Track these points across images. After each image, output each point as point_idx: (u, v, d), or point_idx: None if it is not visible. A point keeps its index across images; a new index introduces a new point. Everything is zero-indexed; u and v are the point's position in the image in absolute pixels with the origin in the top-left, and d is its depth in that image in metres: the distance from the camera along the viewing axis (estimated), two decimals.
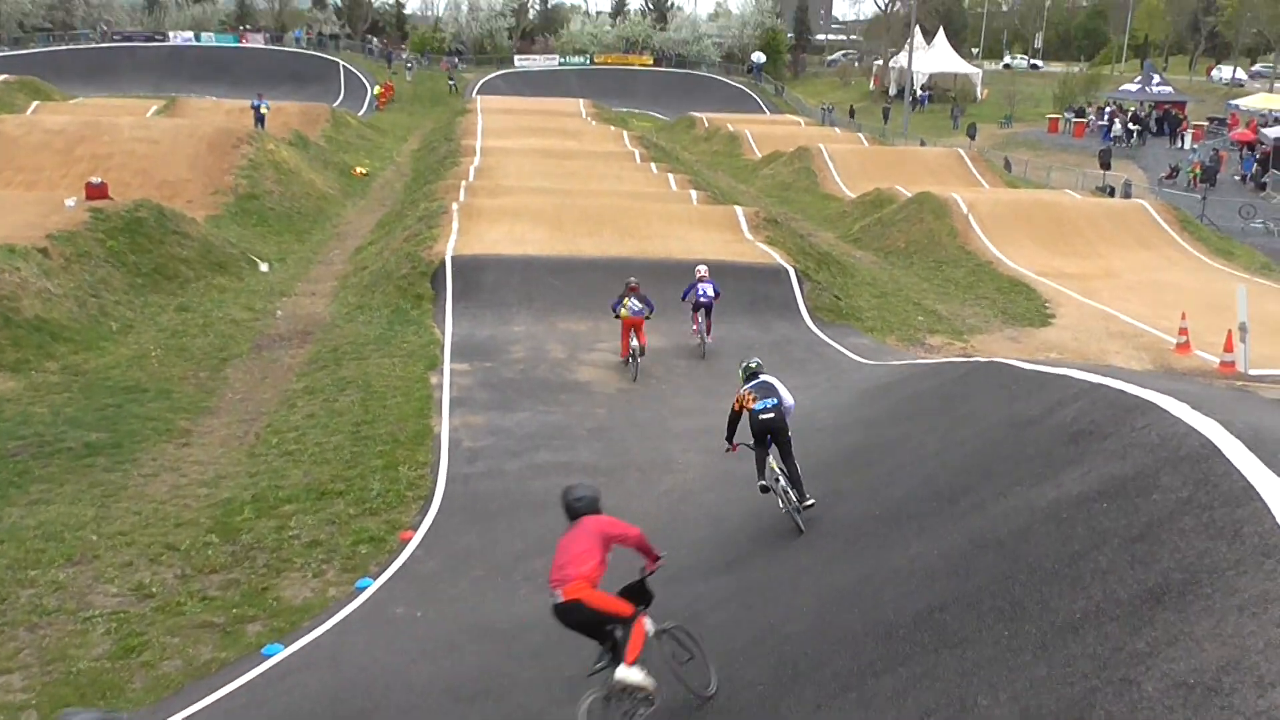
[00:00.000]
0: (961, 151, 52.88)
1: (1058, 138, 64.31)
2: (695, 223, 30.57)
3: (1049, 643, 6.31)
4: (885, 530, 9.77)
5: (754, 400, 11.52)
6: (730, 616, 9.79)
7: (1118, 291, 29.46)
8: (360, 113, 68.39)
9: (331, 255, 31.39)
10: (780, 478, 11.41)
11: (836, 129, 68.75)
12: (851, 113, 78.47)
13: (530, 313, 24.21)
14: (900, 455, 12.09)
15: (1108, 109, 64.33)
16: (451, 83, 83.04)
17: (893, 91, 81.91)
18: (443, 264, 25.79)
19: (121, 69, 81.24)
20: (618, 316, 20.79)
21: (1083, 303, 28.08)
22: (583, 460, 16.13)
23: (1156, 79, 67.02)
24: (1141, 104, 64.93)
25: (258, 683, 10.49)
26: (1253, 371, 21.49)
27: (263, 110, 48.25)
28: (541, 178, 39.83)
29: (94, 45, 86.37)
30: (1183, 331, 23.68)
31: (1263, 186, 47.57)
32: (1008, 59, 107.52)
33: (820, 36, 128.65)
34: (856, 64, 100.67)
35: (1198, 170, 47.92)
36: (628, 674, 7.41)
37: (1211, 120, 62.56)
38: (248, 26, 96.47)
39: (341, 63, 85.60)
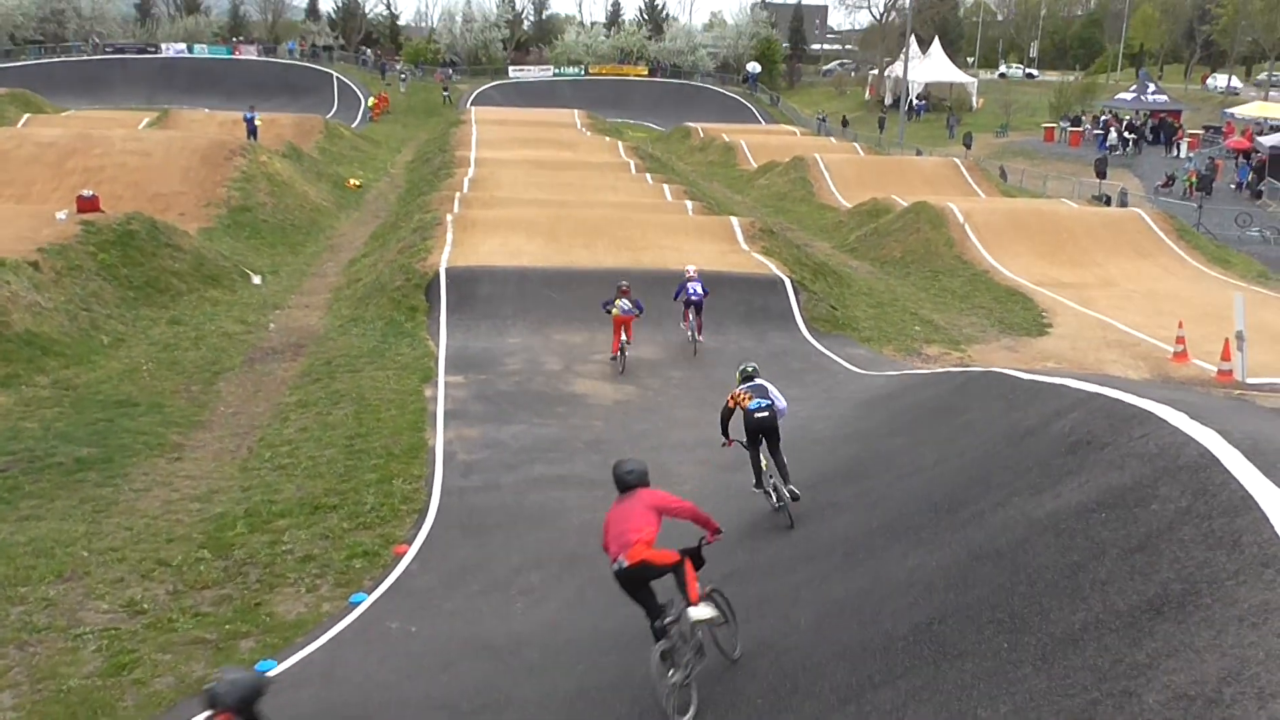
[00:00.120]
0: (957, 161, 52.94)
1: (1053, 147, 64.60)
2: (691, 233, 30.58)
3: (1049, 655, 6.29)
4: (883, 542, 9.73)
5: (749, 400, 12.08)
6: (727, 630, 9.69)
7: (1115, 300, 29.49)
8: (354, 124, 68.45)
9: (325, 267, 31.33)
10: (772, 474, 12.02)
11: (832, 139, 68.84)
12: (844, 122, 78.62)
13: (525, 324, 24.17)
14: (898, 466, 12.04)
15: (1103, 118, 64.45)
16: (446, 94, 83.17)
17: (888, 101, 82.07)
18: (437, 276, 25.74)
19: (114, 81, 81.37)
20: (608, 313, 21.81)
21: (1080, 312, 28.08)
22: (579, 473, 16.05)
23: (1152, 87, 67.34)
24: (1137, 113, 65.09)
25: None
26: (1250, 380, 21.50)
27: (256, 123, 48.21)
28: (536, 189, 39.79)
29: (86, 57, 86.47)
30: (1180, 340, 23.65)
31: (1259, 195, 47.62)
32: (1003, 68, 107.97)
33: (815, 46, 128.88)
34: (853, 73, 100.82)
35: (1194, 179, 48.00)
36: (699, 611, 8.05)
37: (1207, 129, 62.81)
38: (240, 38, 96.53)
39: (335, 74, 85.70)
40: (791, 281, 26.60)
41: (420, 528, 14.21)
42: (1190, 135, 60.24)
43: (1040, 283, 31.18)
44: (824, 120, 78.95)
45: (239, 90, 75.49)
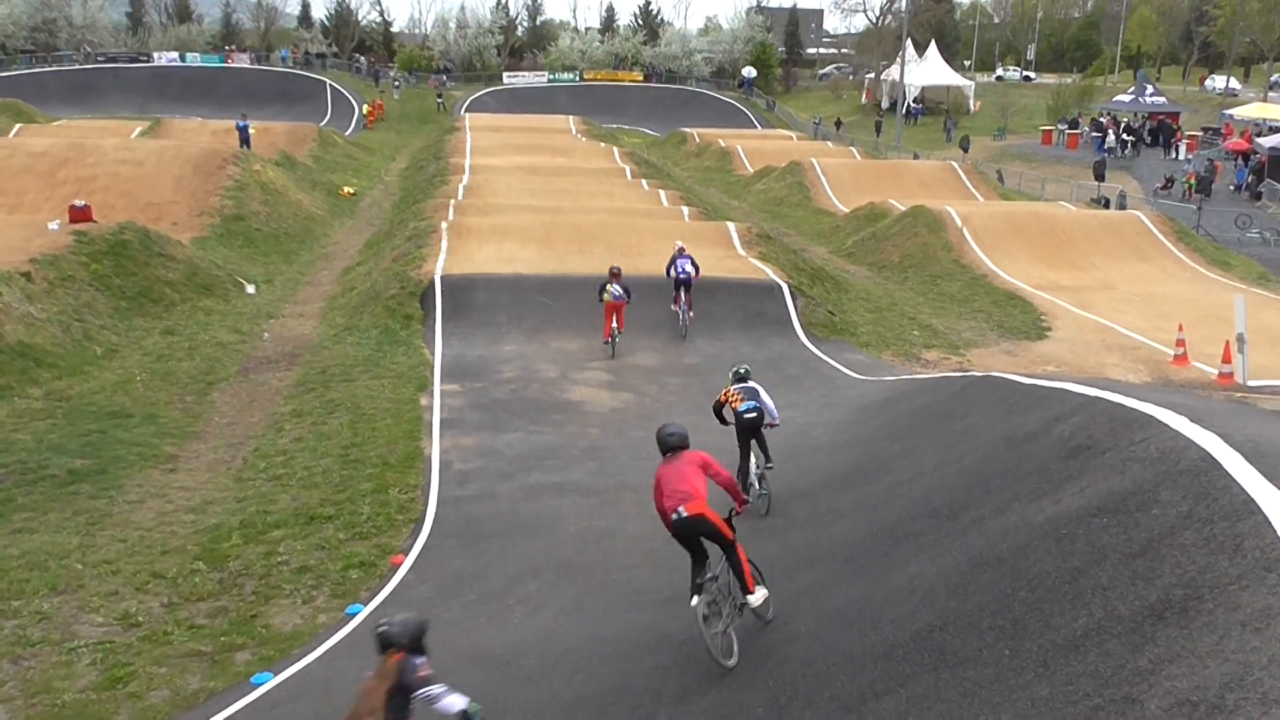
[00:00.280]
0: (955, 164, 52.89)
1: (1051, 149, 64.53)
2: (687, 239, 30.40)
3: (1051, 661, 6.29)
4: (883, 549, 9.69)
5: (740, 401, 12.99)
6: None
7: (1114, 303, 29.42)
8: (348, 132, 68.43)
9: (319, 276, 31.25)
10: (756, 474, 12.98)
11: (829, 143, 68.86)
12: (838, 124, 78.68)
13: (521, 332, 24.11)
14: (897, 472, 11.99)
15: (1101, 120, 64.47)
16: (440, 100, 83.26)
17: (885, 105, 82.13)
18: (432, 284, 25.68)
19: (106, 90, 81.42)
20: (601, 300, 22.90)
21: (1079, 315, 28.01)
22: (576, 481, 15.99)
23: (1150, 89, 67.41)
24: (1135, 115, 65.10)
25: (247, 712, 10.32)
26: (1251, 382, 21.42)
27: (249, 131, 48.12)
28: (531, 195, 39.76)
29: (77, 66, 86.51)
30: (1180, 343, 23.56)
31: (1258, 196, 47.59)
32: (1000, 71, 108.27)
33: (811, 50, 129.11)
34: (851, 77, 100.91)
35: (1192, 181, 47.94)
36: (757, 597, 8.93)
37: (1206, 130, 62.76)
38: (233, 46, 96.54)
39: (328, 82, 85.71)
40: (789, 287, 26.55)
41: (416, 537, 14.13)
42: (1189, 137, 60.18)
43: (1039, 286, 31.12)
44: (819, 124, 79.00)
45: (232, 99, 75.52)
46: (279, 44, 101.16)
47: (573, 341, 23.61)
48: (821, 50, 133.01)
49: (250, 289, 28.51)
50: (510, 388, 20.82)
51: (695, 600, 8.75)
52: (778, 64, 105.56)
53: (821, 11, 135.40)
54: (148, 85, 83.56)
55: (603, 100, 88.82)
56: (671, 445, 9.28)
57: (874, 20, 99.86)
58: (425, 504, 15.17)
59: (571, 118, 72.43)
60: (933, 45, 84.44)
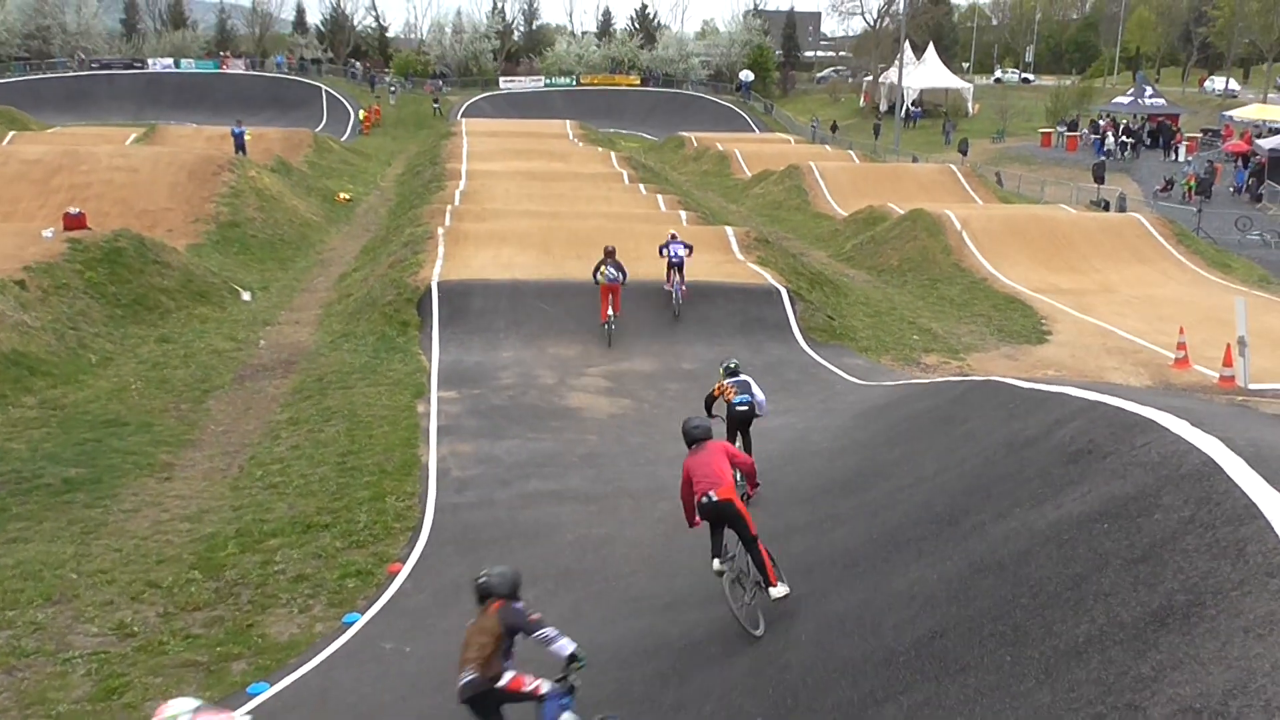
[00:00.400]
0: (954, 167, 52.81)
1: (1051, 152, 64.40)
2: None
3: (1052, 668, 6.25)
4: (883, 554, 9.64)
5: (734, 394, 13.93)
6: (727, 646, 9.60)
7: (1114, 307, 29.34)
8: (344, 137, 68.40)
9: (315, 283, 31.19)
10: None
11: (827, 146, 68.83)
12: (834, 128, 78.69)
13: (519, 338, 24.05)
14: (897, 477, 11.94)
15: (1100, 122, 64.42)
16: (436, 106, 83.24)
17: (883, 108, 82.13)
18: (429, 290, 25.62)
19: (100, 97, 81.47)
20: (596, 283, 23.74)
21: (1079, 319, 27.94)
22: (574, 487, 15.93)
23: (1149, 91, 67.28)
24: (1134, 116, 65.05)
25: None
26: (1253, 386, 21.32)
27: (245, 137, 48.04)
28: (528, 200, 39.70)
29: (72, 73, 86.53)
30: (1181, 346, 23.48)
31: (1259, 198, 47.53)
32: (999, 73, 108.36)
33: (809, 53, 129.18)
34: (850, 80, 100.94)
35: (1192, 183, 47.87)
36: (779, 590, 9.30)
37: (1205, 132, 62.65)
38: (227, 52, 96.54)
39: (324, 87, 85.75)
40: (788, 291, 26.48)
41: (414, 546, 14.09)
42: (1188, 139, 60.07)
43: (1039, 289, 31.04)
44: (816, 126, 79.02)
45: (226, 104, 75.64)
46: (274, 50, 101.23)
47: (570, 347, 23.55)
48: (819, 53, 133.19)
49: (246, 296, 28.44)
50: (508, 394, 20.76)
51: (717, 563, 9.40)
52: (775, 67, 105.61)
53: (819, 14, 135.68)
54: (142, 92, 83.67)
55: (600, 105, 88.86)
56: (697, 437, 9.92)
57: (872, 23, 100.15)
58: (423, 512, 15.12)
59: (568, 122, 72.36)
60: (931, 48, 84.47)
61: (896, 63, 74.44)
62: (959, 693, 6.61)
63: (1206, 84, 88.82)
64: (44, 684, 10.84)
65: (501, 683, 7.53)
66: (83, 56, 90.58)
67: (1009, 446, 10.36)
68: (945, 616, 7.64)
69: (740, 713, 8.12)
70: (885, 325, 27.41)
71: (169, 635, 11.83)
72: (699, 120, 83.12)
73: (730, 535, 9.55)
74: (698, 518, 9.66)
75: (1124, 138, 61.09)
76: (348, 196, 45.77)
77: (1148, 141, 61.81)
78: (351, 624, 12.11)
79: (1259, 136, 54.06)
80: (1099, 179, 49.46)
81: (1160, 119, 63.94)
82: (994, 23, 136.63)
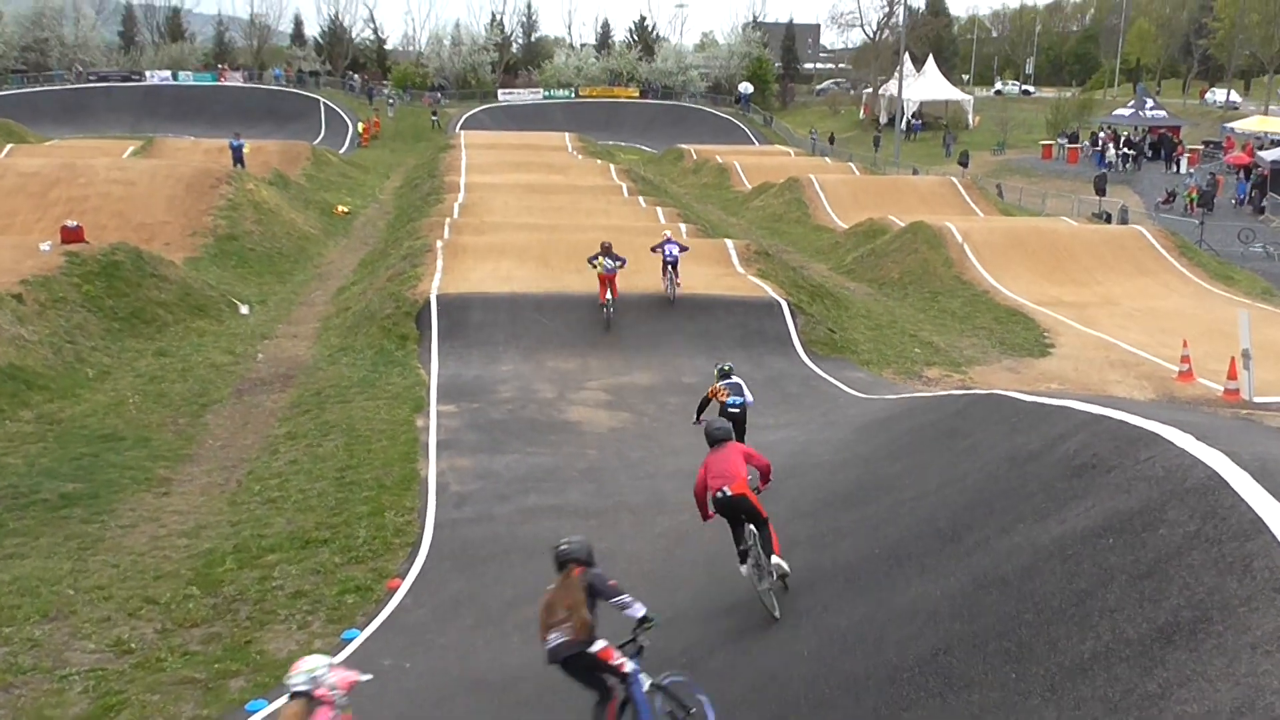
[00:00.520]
0: (954, 179, 52.76)
1: (1051, 164, 64.31)
2: (685, 256, 30.42)
3: (1058, 685, 6.23)
4: (886, 570, 9.61)
5: (726, 395, 15.08)
6: (728, 662, 9.62)
7: (1117, 319, 29.20)
8: (342, 150, 68.44)
9: (313, 296, 31.14)
10: None
11: (827, 159, 68.84)
12: (831, 139, 78.73)
13: (518, 351, 24.00)
14: (900, 492, 11.90)
15: (1101, 134, 64.37)
16: (434, 118, 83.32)
17: (883, 120, 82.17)
18: (427, 303, 25.59)
19: (97, 109, 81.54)
20: (593, 267, 24.83)
21: (1082, 331, 27.82)
22: (574, 502, 15.87)
23: (1150, 103, 67.12)
24: (1135, 128, 65.02)
25: None
26: (1257, 399, 21.21)
27: (245, 150, 47.99)
28: (527, 213, 39.72)
29: (69, 86, 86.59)
30: (1185, 359, 23.35)
31: (1261, 210, 47.41)
32: (999, 85, 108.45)
33: (809, 65, 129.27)
34: (850, 91, 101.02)
35: (1194, 195, 47.73)
36: (780, 561, 10.00)
37: (1207, 144, 62.52)
38: (225, 65, 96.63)
39: (322, 100, 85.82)
40: (788, 304, 26.44)
41: (413, 561, 14.02)
42: (1190, 151, 59.88)
43: (1041, 302, 30.93)
44: (815, 138, 79.08)
45: (224, 117, 75.69)
46: (272, 62, 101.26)
47: (570, 361, 23.50)
48: (819, 65, 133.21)
49: (244, 309, 28.40)
50: (507, 408, 20.70)
51: (744, 568, 10.26)
52: (774, 79, 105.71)
53: (819, 26, 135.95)
54: (140, 104, 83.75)
55: (599, 117, 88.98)
56: (718, 438, 10.66)
57: (871, 35, 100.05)
58: (422, 527, 15.06)
59: (567, 135, 72.45)
60: (931, 60, 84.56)
61: (896, 75, 74.45)
62: (963, 710, 6.58)
63: (1207, 96, 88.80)
64: (41, 702, 10.75)
65: (594, 649, 7.91)
66: (80, 69, 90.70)
67: (1012, 461, 10.32)
68: (949, 633, 7.61)
69: None
70: (887, 338, 27.33)
71: (167, 652, 11.75)
72: (698, 132, 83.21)
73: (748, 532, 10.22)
74: (711, 511, 10.37)
75: (1125, 150, 61.00)
76: (346, 209, 45.76)
77: (1149, 154, 61.69)
78: (350, 640, 12.03)
79: (1261, 148, 53.86)
80: (1100, 191, 49.30)
81: (1161, 131, 63.81)
82: (994, 35, 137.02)
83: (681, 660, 9.72)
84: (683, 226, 37.49)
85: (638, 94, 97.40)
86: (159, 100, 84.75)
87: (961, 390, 21.10)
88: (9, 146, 56.77)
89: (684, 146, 72.06)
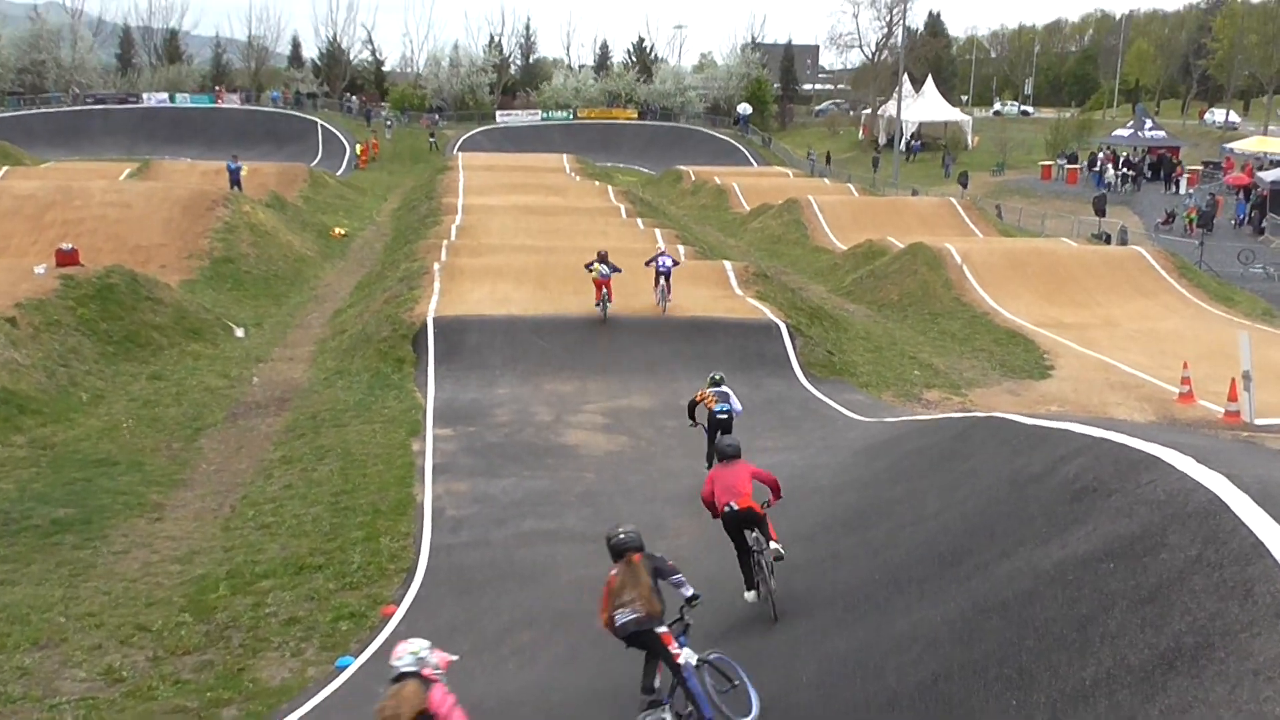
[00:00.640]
0: (954, 200, 52.78)
1: (1051, 184, 64.25)
2: (683, 278, 30.36)
3: (1059, 712, 6.20)
4: (886, 595, 9.56)
5: (715, 402, 16.33)
6: None
7: (1117, 341, 29.08)
8: (339, 172, 68.53)
9: (309, 319, 31.09)
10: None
11: (826, 180, 68.89)
12: (828, 159, 78.90)
13: (515, 374, 23.92)
14: (899, 516, 11.84)
15: (1100, 155, 64.47)
16: (432, 140, 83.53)
17: (882, 140, 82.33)
18: (424, 326, 25.52)
19: (94, 131, 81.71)
20: (590, 271, 25.81)
21: (1082, 353, 27.68)
22: (571, 527, 15.77)
23: (1149, 123, 67.25)
24: (1135, 149, 65.13)
25: None
26: (1258, 421, 21.08)
27: (242, 173, 48.07)
28: (525, 235, 39.70)
29: (66, 108, 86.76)
30: (1185, 381, 23.23)
31: (1261, 231, 47.39)
32: (998, 106, 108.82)
33: (807, 86, 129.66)
34: (850, 112, 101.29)
35: (1194, 215, 47.73)
36: (778, 545, 10.74)
37: (1206, 164, 62.54)
38: (222, 86, 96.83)
39: (319, 122, 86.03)
40: (787, 326, 26.35)
41: (408, 587, 13.94)
42: (1189, 171, 59.85)
43: (1041, 324, 30.81)
44: (814, 159, 79.22)
45: (221, 139, 75.85)
46: (269, 84, 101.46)
47: (567, 384, 23.42)
48: (817, 86, 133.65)
49: (239, 332, 28.35)
50: (504, 432, 20.60)
51: (749, 595, 10.97)
52: (773, 100, 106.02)
53: (817, 47, 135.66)
54: (137, 126, 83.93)
55: (597, 138, 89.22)
56: (729, 455, 11.36)
57: (870, 56, 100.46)
58: (417, 552, 14.97)
59: (565, 156, 72.58)
60: (929, 80, 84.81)
61: (895, 95, 74.60)
62: None
63: (1207, 116, 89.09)
64: None
65: (660, 629, 8.50)
66: (77, 91, 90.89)
67: (1012, 484, 10.26)
68: (949, 659, 7.57)
69: None
70: (886, 360, 27.21)
71: (158, 680, 11.66)
72: (697, 154, 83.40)
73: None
74: (718, 515, 11.08)
75: (1124, 170, 61.01)
76: (343, 231, 45.79)
77: (1148, 174, 61.68)
78: (345, 668, 11.93)
79: (1260, 169, 53.88)
80: (1100, 212, 49.26)
81: (1161, 151, 63.85)
82: (993, 55, 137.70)
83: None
84: (681, 248, 37.48)
85: (636, 115, 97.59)
86: (156, 122, 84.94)
87: (961, 413, 20.96)
88: (5, 169, 56.97)
89: (682, 168, 72.13)
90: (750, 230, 51.26)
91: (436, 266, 31.19)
